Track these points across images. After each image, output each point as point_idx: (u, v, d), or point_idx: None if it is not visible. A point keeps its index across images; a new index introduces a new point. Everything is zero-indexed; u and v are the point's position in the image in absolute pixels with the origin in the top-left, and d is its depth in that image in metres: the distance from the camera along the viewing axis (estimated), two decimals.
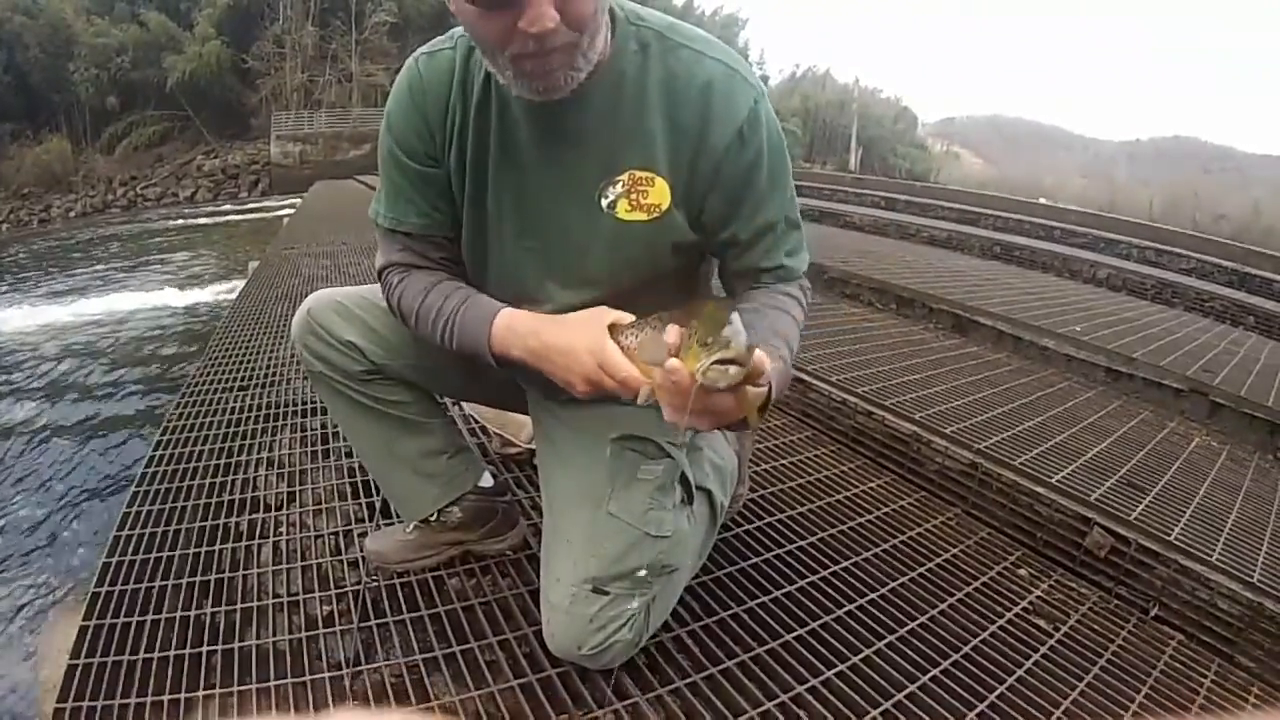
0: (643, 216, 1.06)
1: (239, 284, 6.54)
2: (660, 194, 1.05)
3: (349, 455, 2.10)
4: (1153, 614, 1.59)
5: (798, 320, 1.13)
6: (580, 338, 0.97)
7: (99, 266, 14.71)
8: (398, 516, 1.66)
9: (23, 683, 3.19)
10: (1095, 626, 1.51)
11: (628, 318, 0.97)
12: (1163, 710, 1.30)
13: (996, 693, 1.27)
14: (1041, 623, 1.49)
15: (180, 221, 20.95)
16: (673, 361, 0.79)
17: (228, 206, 24.03)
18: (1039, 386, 2.65)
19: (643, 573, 1.18)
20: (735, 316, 0.79)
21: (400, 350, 1.32)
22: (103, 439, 5.96)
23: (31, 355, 8.68)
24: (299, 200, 14.93)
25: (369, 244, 5.71)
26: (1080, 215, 7.71)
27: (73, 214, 28.11)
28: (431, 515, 1.50)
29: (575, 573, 1.15)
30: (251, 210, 21.59)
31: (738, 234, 1.10)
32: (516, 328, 1.05)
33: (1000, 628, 1.45)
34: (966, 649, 1.37)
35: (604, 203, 1.05)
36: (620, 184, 1.04)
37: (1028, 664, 1.35)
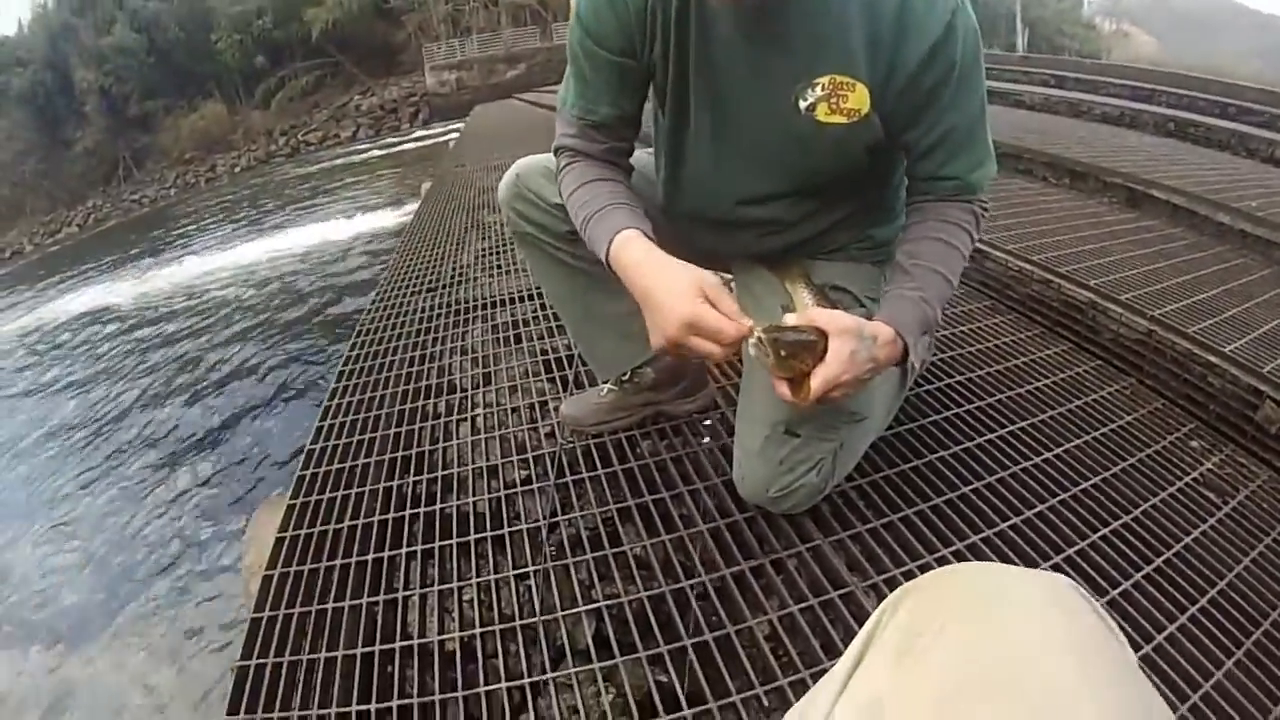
0: (842, 120, 1.07)
1: (414, 205, 6.80)
2: (860, 99, 1.05)
3: (539, 338, 2.21)
4: None
5: (962, 252, 1.14)
6: (678, 303, 0.98)
7: (280, 209, 15.76)
8: (591, 384, 1.76)
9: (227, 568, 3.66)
10: (1264, 504, 1.44)
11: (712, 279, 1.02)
12: None
13: (1163, 557, 1.26)
14: (1211, 495, 1.44)
15: (347, 159, 21.75)
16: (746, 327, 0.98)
17: (390, 140, 24.72)
18: (1214, 261, 2.47)
19: (833, 416, 1.22)
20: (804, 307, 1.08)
21: None
22: (304, 350, 6.61)
23: (227, 287, 9.61)
24: (462, 124, 15.05)
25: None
26: (1257, 93, 6.92)
27: (238, 169, 29.86)
28: (626, 375, 1.57)
29: (769, 415, 1.20)
30: (416, 140, 22.17)
31: (918, 140, 1.10)
32: (622, 258, 1.07)
33: (1170, 495, 1.42)
34: (1136, 513, 1.35)
35: (802, 105, 1.07)
36: (820, 87, 1.05)
37: (1195, 533, 1.32)
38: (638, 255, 1.06)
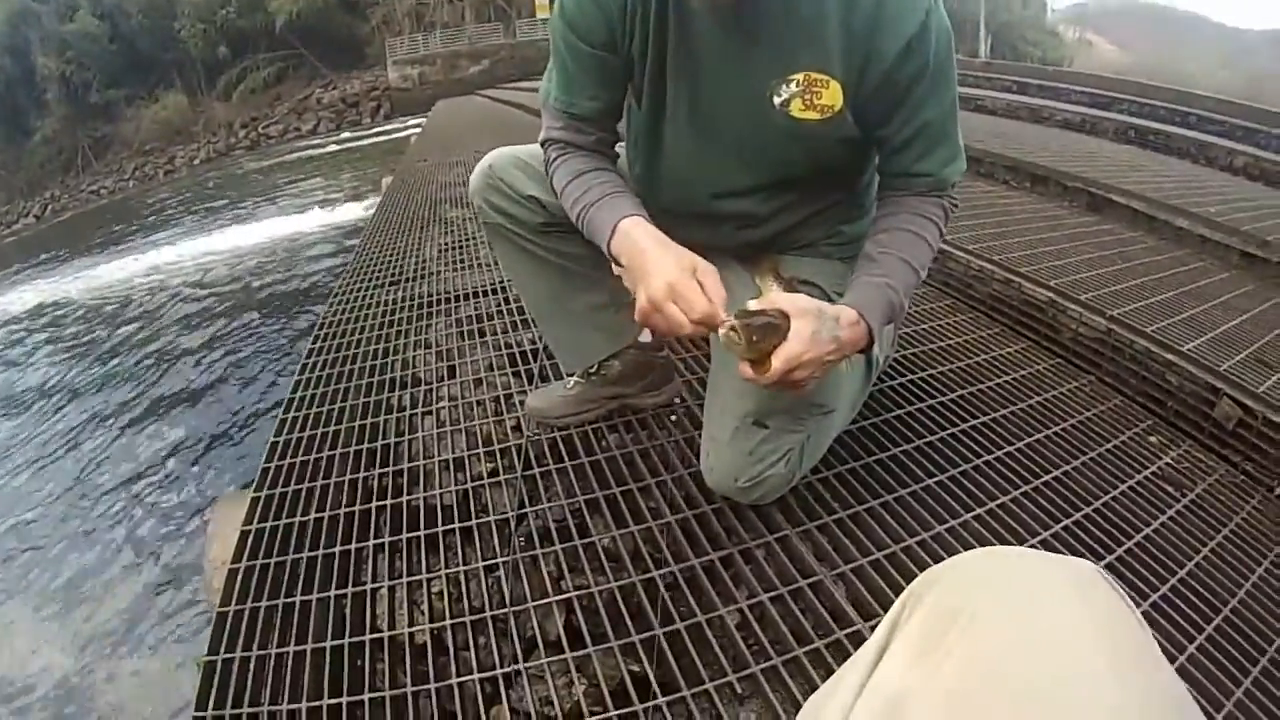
0: (815, 116, 1.08)
1: (375, 200, 6.75)
2: (834, 95, 1.06)
3: (504, 332, 2.20)
4: (1277, 492, 1.55)
5: (930, 244, 1.16)
6: (668, 268, 1.00)
7: (239, 203, 15.48)
8: (555, 377, 1.76)
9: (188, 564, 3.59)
10: (1221, 498, 1.49)
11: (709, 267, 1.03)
12: None
13: (1124, 547, 1.29)
14: (1169, 488, 1.48)
15: (308, 153, 21.41)
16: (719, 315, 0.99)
17: (346, 135, 24.47)
18: (1172, 264, 2.53)
19: (800, 408, 1.23)
20: (774, 296, 1.06)
21: None
22: (265, 344, 6.50)
23: (186, 281, 9.42)
24: (424, 120, 14.92)
25: None
26: (1217, 102, 7.12)
27: (197, 161, 29.20)
28: (593, 368, 1.57)
29: (738, 406, 1.21)
30: (377, 134, 21.89)
31: (892, 136, 1.12)
32: (628, 243, 1.07)
33: (1130, 488, 1.45)
34: (1097, 504, 1.38)
35: (776, 101, 1.08)
36: (795, 83, 1.06)
37: (1155, 524, 1.35)
38: (647, 241, 1.06)
